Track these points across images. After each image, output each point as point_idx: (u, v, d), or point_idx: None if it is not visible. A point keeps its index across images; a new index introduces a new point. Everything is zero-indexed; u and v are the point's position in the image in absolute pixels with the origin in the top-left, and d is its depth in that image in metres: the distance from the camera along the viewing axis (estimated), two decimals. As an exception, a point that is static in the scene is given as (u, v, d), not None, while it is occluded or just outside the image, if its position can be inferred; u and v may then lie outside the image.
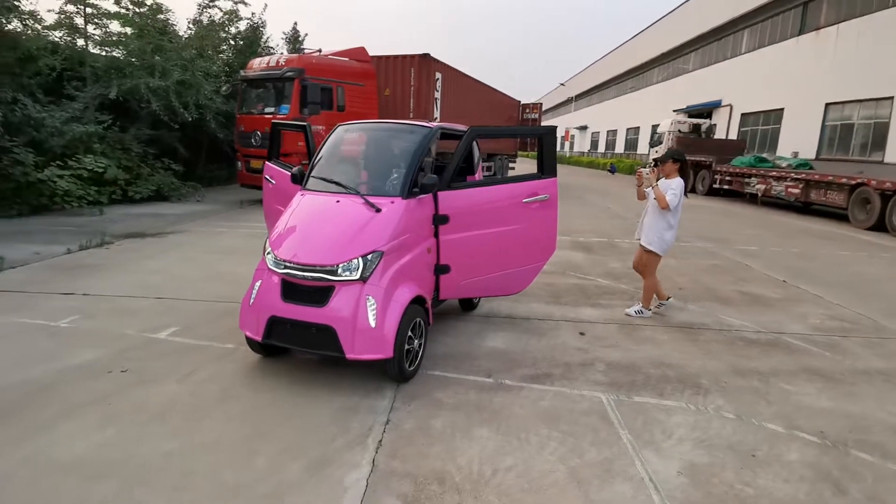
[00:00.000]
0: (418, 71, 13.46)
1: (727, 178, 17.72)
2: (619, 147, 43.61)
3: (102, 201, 9.79)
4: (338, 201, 3.58)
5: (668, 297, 5.17)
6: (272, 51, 17.59)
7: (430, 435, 2.87)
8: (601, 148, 48.67)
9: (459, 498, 2.37)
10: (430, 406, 3.19)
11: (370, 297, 3.19)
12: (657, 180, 4.78)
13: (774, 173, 15.46)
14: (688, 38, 31.20)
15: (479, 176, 4.95)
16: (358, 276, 3.19)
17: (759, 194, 15.95)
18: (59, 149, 9.50)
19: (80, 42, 11.27)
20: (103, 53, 11.56)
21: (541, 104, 23.17)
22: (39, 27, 10.30)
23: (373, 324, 3.18)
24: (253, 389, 3.31)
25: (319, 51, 12.20)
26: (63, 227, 8.08)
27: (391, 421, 3.01)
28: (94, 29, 11.36)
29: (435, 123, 4.08)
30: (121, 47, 11.81)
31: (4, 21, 8.51)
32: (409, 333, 3.38)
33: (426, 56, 13.40)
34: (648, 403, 3.33)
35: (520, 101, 22.93)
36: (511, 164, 23.50)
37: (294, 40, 22.01)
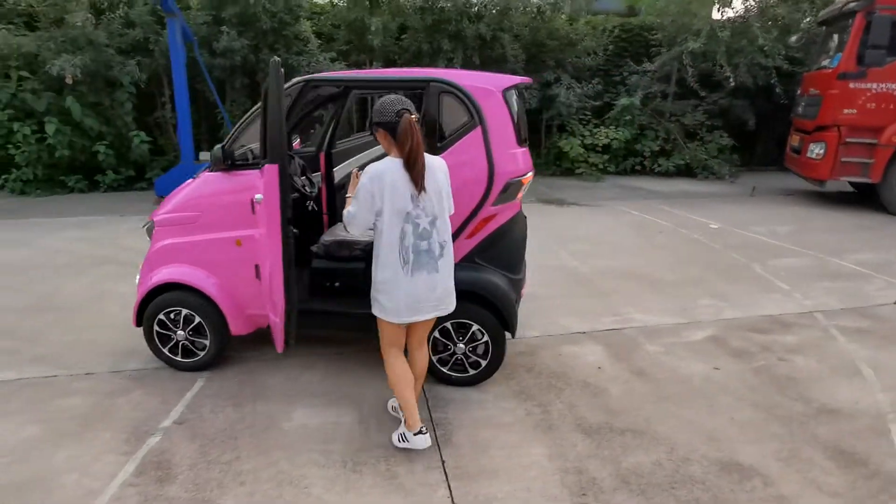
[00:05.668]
0: None
1: None
2: None
3: (609, 169, 10.31)
4: None
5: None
6: None
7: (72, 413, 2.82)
8: None
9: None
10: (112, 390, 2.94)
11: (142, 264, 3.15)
12: None
13: None
14: None
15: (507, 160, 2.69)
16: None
17: None
18: (566, 119, 10.19)
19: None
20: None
21: None
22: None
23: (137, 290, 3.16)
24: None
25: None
26: (555, 189, 9.26)
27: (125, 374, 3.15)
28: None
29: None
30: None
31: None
32: (163, 318, 3.02)
33: None
34: None
35: None
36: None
37: None
